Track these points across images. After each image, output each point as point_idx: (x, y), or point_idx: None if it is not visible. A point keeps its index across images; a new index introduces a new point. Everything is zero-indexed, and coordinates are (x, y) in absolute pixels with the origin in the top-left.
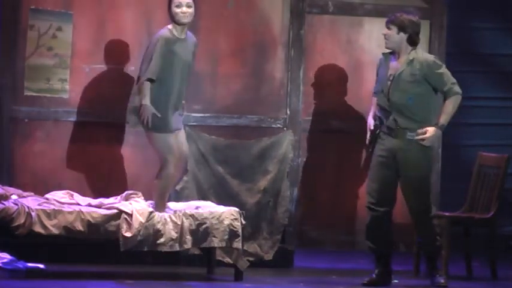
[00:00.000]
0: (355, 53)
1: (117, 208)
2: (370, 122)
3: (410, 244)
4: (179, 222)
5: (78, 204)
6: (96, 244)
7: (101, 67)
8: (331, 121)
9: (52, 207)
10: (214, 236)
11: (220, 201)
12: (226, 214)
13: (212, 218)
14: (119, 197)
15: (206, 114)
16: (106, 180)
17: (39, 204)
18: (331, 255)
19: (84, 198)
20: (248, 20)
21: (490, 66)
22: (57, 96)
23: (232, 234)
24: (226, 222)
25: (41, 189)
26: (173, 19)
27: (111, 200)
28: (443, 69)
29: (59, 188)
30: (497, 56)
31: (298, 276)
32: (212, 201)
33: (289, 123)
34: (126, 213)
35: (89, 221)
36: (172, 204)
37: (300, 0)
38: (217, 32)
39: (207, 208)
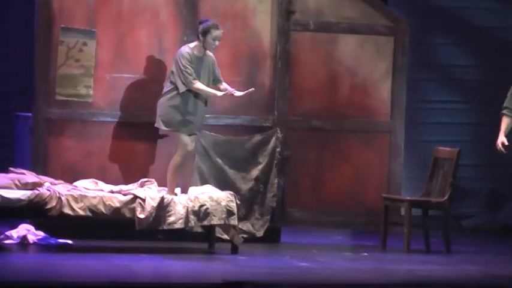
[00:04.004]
0: (332, 65)
1: (133, 194)
2: (503, 139)
3: (379, 224)
4: (185, 205)
5: (102, 191)
6: (116, 224)
7: (120, 76)
8: (312, 121)
9: (79, 192)
10: (214, 215)
11: (219, 187)
12: (223, 197)
13: (211, 200)
14: (135, 184)
15: (208, 115)
16: (125, 170)
17: (68, 190)
18: (312, 232)
19: (106, 185)
20: (243, 37)
21: (445, 75)
22: (83, 101)
23: (229, 213)
24: (223, 203)
25: (70, 178)
26: (203, 45)
27: (129, 186)
28: None
29: (86, 177)
30: (450, 66)
31: (284, 250)
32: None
33: (277, 123)
34: (141, 198)
35: (110, 204)
36: (178, 190)
37: (285, 20)
38: (217, 47)
39: (208, 192)
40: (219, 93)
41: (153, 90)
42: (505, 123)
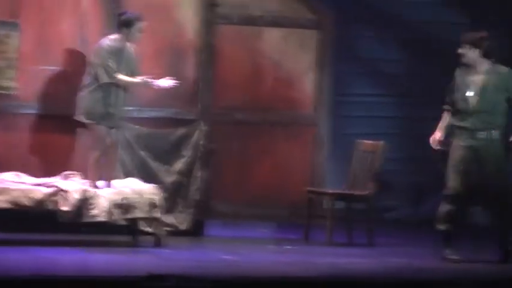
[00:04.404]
0: (256, 58)
1: (56, 186)
2: (438, 135)
3: (302, 217)
4: (108, 198)
5: (25, 183)
6: (39, 216)
7: (43, 68)
8: (236, 114)
9: (1, 185)
10: (137, 208)
11: (143, 180)
12: (147, 190)
13: (135, 193)
14: (59, 177)
15: (131, 108)
16: (48, 163)
17: None
18: (236, 225)
19: (29, 178)
20: (166, 30)
21: (368, 68)
22: (6, 93)
23: (152, 206)
24: (147, 196)
25: None
26: (127, 37)
27: (52, 179)
28: None
29: (8, 170)
30: (374, 60)
31: (208, 243)
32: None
33: (201, 115)
34: (64, 190)
35: (32, 197)
36: (102, 183)
37: (209, 13)
38: (140, 38)
39: (131, 185)
40: (139, 79)
41: (76, 82)
42: (444, 118)
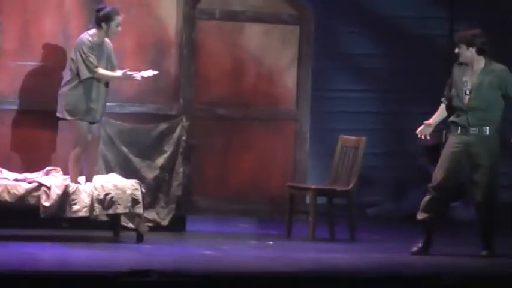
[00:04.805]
0: (238, 53)
1: (38, 182)
2: (429, 122)
3: (284, 212)
4: (90, 193)
5: (6, 179)
6: (21, 212)
7: (25, 64)
8: (217, 109)
9: None
10: (119, 204)
11: (125, 176)
12: (128, 185)
13: (116, 189)
14: (40, 173)
15: (112, 103)
16: (29, 158)
17: None
18: (218, 221)
19: (11, 173)
20: (148, 25)
21: (351, 64)
22: None
23: (134, 201)
24: (129, 191)
25: None
26: (107, 32)
27: (34, 174)
28: None
29: None
30: (356, 55)
31: (190, 238)
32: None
33: (182, 111)
34: (46, 186)
35: (14, 192)
36: (83, 179)
37: (191, 8)
38: (122, 34)
39: (113, 181)
40: (120, 73)
41: (58, 78)
42: (439, 109)
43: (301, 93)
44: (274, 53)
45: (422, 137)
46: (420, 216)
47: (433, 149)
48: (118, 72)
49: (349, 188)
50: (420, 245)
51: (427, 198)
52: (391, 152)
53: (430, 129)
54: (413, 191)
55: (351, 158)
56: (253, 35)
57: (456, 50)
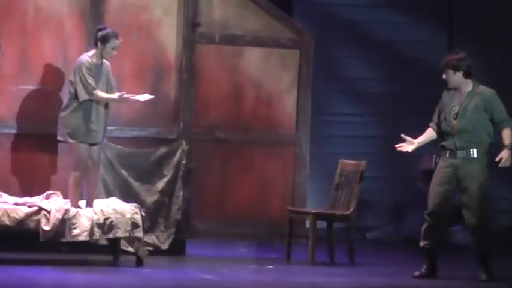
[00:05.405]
0: (238, 77)
1: (38, 206)
2: (412, 140)
3: (283, 236)
4: (90, 217)
5: (6, 203)
6: (20, 236)
7: (24, 87)
8: (217, 133)
9: None
10: (119, 228)
11: (124, 200)
12: (128, 209)
13: (116, 212)
14: (40, 196)
15: (112, 127)
16: (29, 182)
17: None
18: (217, 245)
19: (11, 197)
20: (148, 49)
21: (350, 88)
22: None
23: (134, 225)
24: (128, 215)
25: None
26: (101, 53)
27: (34, 198)
28: (499, 101)
29: None
30: (355, 79)
31: (189, 262)
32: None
33: (182, 135)
34: (46, 210)
35: (14, 216)
36: (83, 203)
37: (191, 32)
38: (122, 57)
39: (112, 205)
40: (116, 96)
41: (57, 102)
42: (426, 132)
43: (301, 117)
44: (274, 77)
45: (401, 148)
46: (421, 243)
47: (431, 173)
48: (115, 95)
49: (348, 212)
50: (424, 270)
51: (424, 225)
52: (389, 176)
53: (412, 148)
54: (412, 215)
55: (351, 182)
56: (253, 59)
57: (444, 76)
